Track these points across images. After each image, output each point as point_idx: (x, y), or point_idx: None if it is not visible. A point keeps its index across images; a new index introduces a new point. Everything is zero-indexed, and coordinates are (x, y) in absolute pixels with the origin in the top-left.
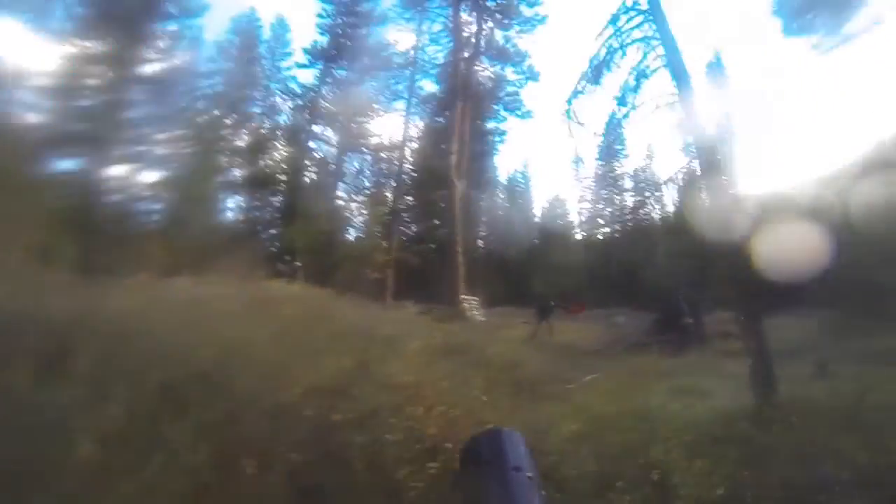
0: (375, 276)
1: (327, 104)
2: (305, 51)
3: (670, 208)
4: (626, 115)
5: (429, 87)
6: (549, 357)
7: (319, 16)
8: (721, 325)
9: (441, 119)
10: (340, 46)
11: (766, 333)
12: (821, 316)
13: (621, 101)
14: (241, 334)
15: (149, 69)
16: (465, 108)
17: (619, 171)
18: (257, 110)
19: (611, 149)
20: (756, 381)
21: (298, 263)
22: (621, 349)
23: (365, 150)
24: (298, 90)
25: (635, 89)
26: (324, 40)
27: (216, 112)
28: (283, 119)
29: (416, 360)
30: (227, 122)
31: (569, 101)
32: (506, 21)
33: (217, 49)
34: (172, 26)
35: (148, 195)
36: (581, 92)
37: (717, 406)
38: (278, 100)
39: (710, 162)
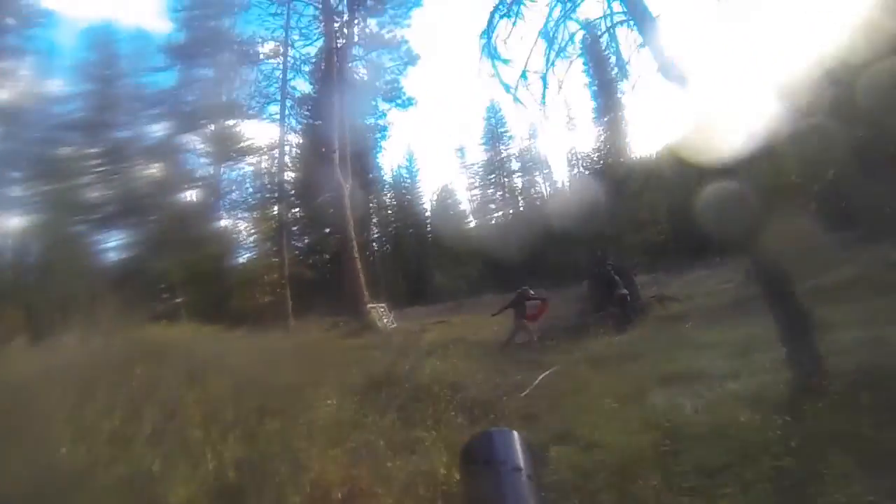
0: (269, 298)
1: (191, 109)
2: (159, 50)
3: (561, 185)
4: (562, 50)
5: (303, 87)
6: (484, 361)
7: (173, 9)
8: (645, 290)
9: (319, 121)
10: (199, 42)
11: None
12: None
13: (548, 37)
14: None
15: None
16: (343, 103)
17: (505, 154)
18: (122, 133)
19: (494, 132)
20: (801, 352)
21: (179, 300)
22: (558, 335)
23: (240, 158)
24: (158, 97)
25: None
26: (180, 36)
27: (75, 140)
28: (149, 134)
29: (335, 423)
30: (90, 150)
31: (485, 35)
32: (379, 7)
33: (71, 70)
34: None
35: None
36: (506, 15)
37: (753, 394)
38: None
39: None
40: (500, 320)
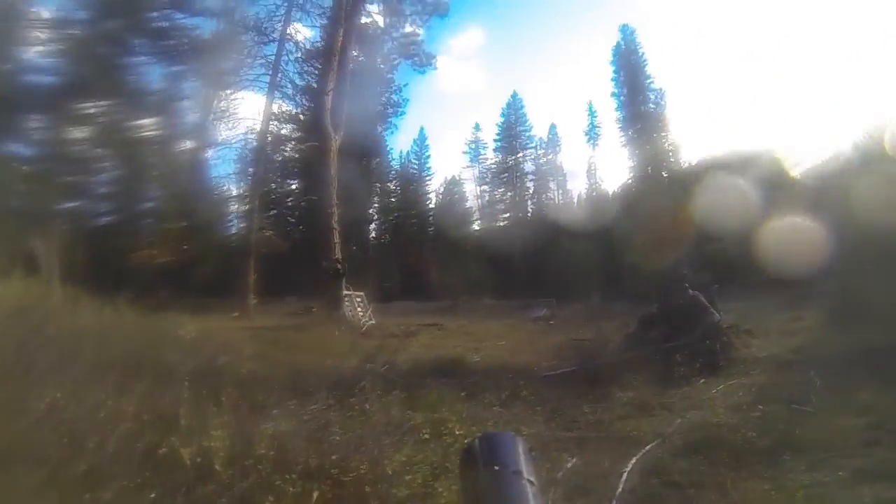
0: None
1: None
2: None
3: (577, 195)
4: None
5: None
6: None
7: None
8: None
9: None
10: None
11: None
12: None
13: None
14: None
15: None
16: (345, 37)
17: (521, 154)
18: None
19: (512, 129)
20: None
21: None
22: (616, 372)
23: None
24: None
25: None
26: None
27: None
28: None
29: None
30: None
31: None
32: None
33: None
34: None
35: None
36: None
37: None
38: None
39: None
40: (506, 332)
